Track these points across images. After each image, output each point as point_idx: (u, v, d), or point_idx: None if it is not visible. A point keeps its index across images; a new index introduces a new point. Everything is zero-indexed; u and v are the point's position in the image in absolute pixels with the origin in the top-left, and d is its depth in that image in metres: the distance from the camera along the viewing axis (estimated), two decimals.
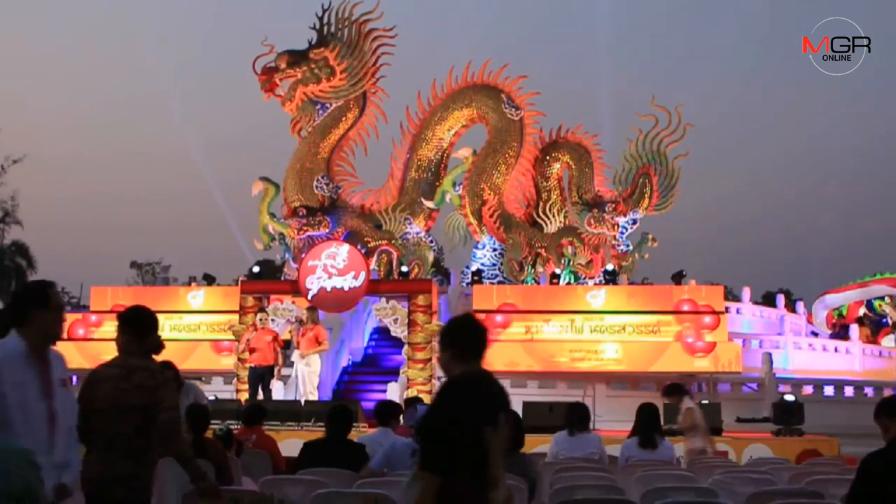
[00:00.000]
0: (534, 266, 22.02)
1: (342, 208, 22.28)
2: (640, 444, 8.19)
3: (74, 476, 4.37)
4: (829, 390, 19.89)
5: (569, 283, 21.19)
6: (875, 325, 27.10)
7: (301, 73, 21.81)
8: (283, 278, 21.98)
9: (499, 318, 18.90)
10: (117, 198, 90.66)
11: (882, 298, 27.31)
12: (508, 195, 22.57)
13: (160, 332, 5.15)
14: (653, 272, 35.65)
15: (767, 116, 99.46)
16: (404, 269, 20.93)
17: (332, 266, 17.42)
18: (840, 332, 25.73)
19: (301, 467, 6.76)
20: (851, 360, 22.37)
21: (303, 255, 19.15)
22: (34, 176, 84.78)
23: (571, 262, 21.75)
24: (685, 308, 18.97)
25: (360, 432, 9.91)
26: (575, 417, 8.48)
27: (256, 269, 23.79)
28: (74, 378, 20.76)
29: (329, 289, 17.29)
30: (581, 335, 18.92)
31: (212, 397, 15.05)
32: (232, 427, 8.60)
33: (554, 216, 22.38)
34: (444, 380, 4.19)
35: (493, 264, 22.48)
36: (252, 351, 15.95)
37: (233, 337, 17.97)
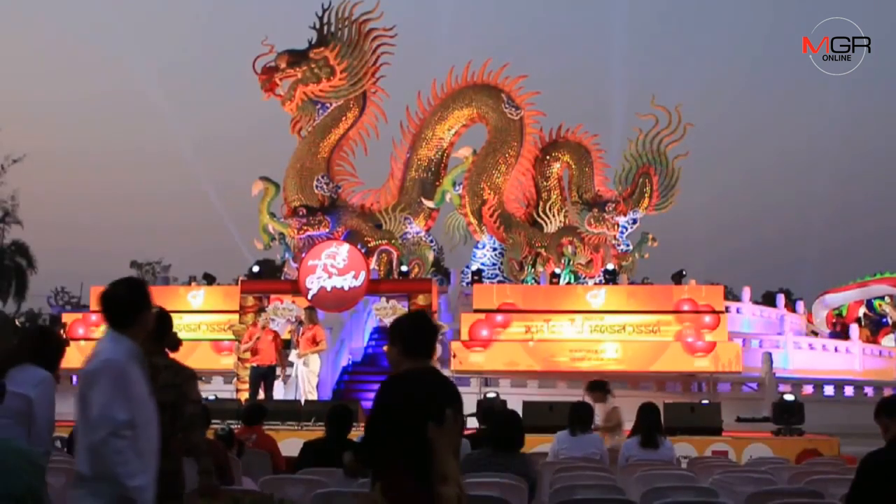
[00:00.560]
0: (534, 266, 22.02)
1: (342, 208, 22.29)
2: (641, 443, 8.19)
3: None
4: (829, 390, 19.90)
5: (569, 283, 21.19)
6: (875, 325, 27.10)
7: (301, 72, 21.82)
8: (283, 278, 21.99)
9: (499, 318, 18.91)
10: (117, 197, 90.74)
11: (882, 298, 27.30)
12: (508, 195, 22.57)
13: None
14: (653, 272, 35.64)
15: (768, 116, 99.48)
16: (404, 268, 20.94)
17: (332, 266, 17.42)
18: (840, 331, 25.72)
19: (301, 467, 6.76)
20: (851, 359, 22.38)
21: (303, 255, 19.15)
22: (34, 175, 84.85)
23: (571, 262, 21.76)
24: (685, 308, 18.97)
25: (361, 432, 9.90)
26: (577, 417, 8.48)
27: (256, 268, 23.80)
28: (74, 378, 20.77)
29: (329, 288, 17.28)
30: (581, 335, 18.93)
31: (212, 397, 15.05)
32: (232, 427, 8.62)
33: (554, 216, 22.39)
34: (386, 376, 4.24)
35: (493, 264, 22.48)
36: (255, 351, 15.93)
37: (233, 337, 17.96)
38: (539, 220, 22.46)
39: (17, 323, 42.36)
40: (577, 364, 18.58)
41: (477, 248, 22.92)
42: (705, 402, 15.38)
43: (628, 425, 9.08)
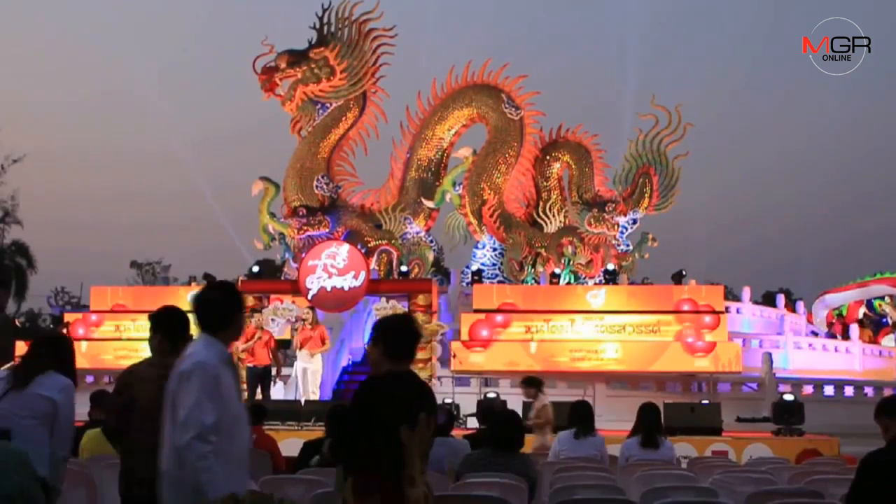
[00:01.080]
0: (534, 266, 22.02)
1: (342, 208, 22.28)
2: (641, 443, 8.19)
3: None
4: (829, 390, 19.89)
5: (569, 283, 21.19)
6: (875, 325, 27.10)
7: (301, 72, 21.81)
8: (283, 278, 21.99)
9: (499, 318, 18.91)
10: (117, 197, 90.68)
11: (882, 298, 27.30)
12: (508, 195, 22.57)
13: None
14: (653, 272, 35.65)
15: (767, 116, 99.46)
16: (404, 268, 20.93)
17: (332, 266, 17.43)
18: (838, 332, 25.72)
19: (301, 467, 6.76)
20: (851, 359, 22.39)
21: (303, 255, 19.16)
22: (34, 175, 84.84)
23: (571, 262, 21.75)
24: (685, 308, 18.97)
25: None
26: (580, 419, 8.46)
27: (256, 268, 23.79)
28: None
29: (329, 288, 17.29)
30: (581, 335, 18.93)
31: None
32: None
33: (554, 216, 22.38)
34: (365, 378, 4.29)
35: (493, 264, 22.48)
36: (251, 352, 15.93)
37: None
38: (539, 220, 22.46)
39: (17, 323, 42.39)
40: (577, 364, 18.58)
41: (477, 248, 22.92)
42: (705, 402, 15.41)
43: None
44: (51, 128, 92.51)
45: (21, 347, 20.62)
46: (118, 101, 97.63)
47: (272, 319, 17.58)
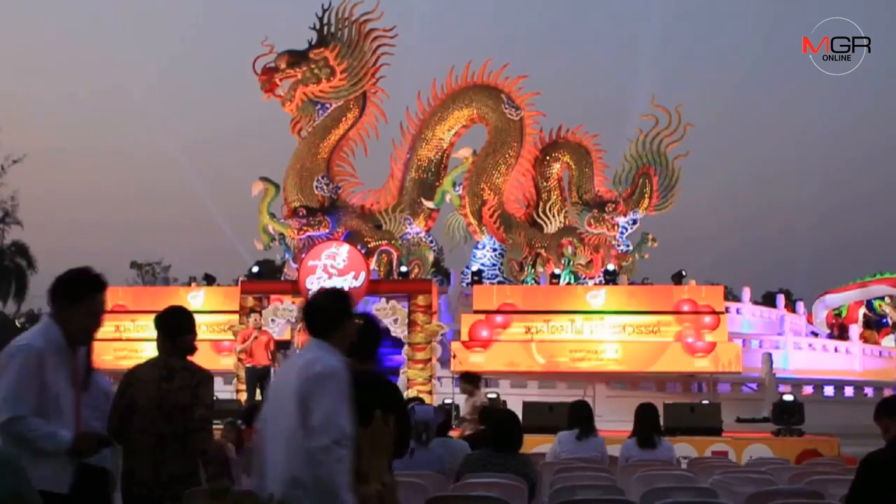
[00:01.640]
0: (534, 266, 22.02)
1: (342, 208, 22.28)
2: (638, 443, 8.19)
3: None
4: (829, 390, 19.89)
5: (569, 283, 21.19)
6: (875, 326, 27.11)
7: (301, 73, 21.80)
8: (283, 278, 21.99)
9: (499, 318, 18.91)
10: (117, 197, 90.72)
11: (882, 298, 27.31)
12: (508, 195, 22.56)
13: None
14: (653, 272, 35.55)
15: (767, 116, 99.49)
16: (404, 269, 20.93)
17: (332, 266, 17.43)
18: (838, 331, 25.73)
19: None
20: (851, 360, 22.39)
21: (303, 256, 19.16)
22: (34, 175, 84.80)
23: (571, 262, 21.75)
24: (685, 308, 18.97)
25: None
26: (582, 419, 8.45)
27: (256, 269, 23.79)
28: None
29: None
30: (581, 335, 18.93)
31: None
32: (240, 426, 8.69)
33: (554, 216, 22.38)
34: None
35: (493, 264, 22.47)
36: (250, 353, 15.93)
37: (233, 337, 17.97)
38: (539, 220, 22.46)
39: (17, 323, 42.39)
40: (577, 364, 18.58)
41: (477, 248, 22.91)
42: (705, 402, 15.39)
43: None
44: (51, 128, 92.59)
45: None
46: (118, 101, 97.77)
47: (272, 320, 17.58)
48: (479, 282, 20.93)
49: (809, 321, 26.40)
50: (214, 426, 7.80)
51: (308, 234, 21.65)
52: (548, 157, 22.65)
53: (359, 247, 19.24)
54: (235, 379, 17.35)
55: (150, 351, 5.08)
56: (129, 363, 5.31)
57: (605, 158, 22.65)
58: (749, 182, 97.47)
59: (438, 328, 18.22)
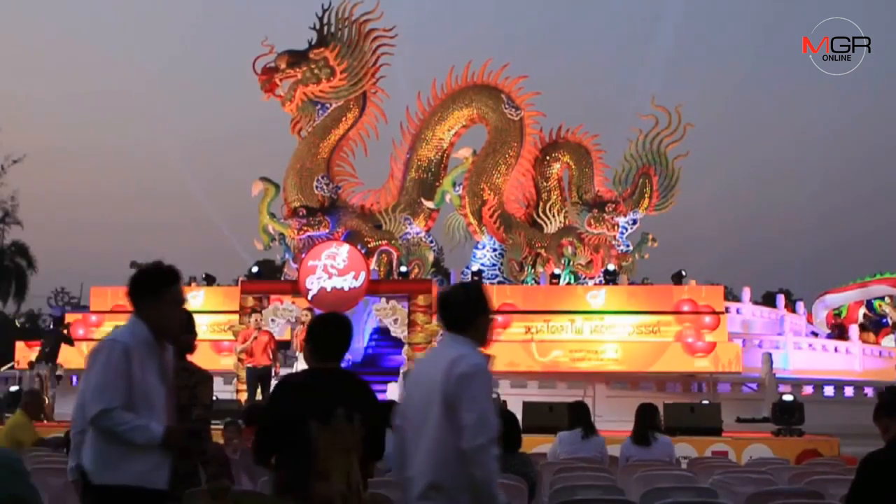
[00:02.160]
0: (534, 266, 22.01)
1: (342, 208, 22.28)
2: (634, 441, 8.21)
3: None
4: (829, 390, 19.89)
5: (569, 283, 21.19)
6: (875, 326, 27.09)
7: (301, 73, 21.80)
8: (283, 278, 21.99)
9: (499, 318, 18.90)
10: (117, 197, 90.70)
11: (882, 298, 27.28)
12: (508, 195, 22.56)
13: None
14: (653, 272, 35.54)
15: (767, 116, 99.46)
16: (404, 269, 20.93)
17: (332, 266, 17.42)
18: (837, 331, 25.72)
19: None
20: (851, 360, 22.39)
21: (303, 256, 19.15)
22: (34, 175, 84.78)
23: (571, 262, 21.75)
24: (685, 308, 18.98)
25: None
26: (583, 420, 8.46)
27: (256, 269, 23.78)
28: (74, 378, 20.68)
29: (329, 289, 17.28)
30: (581, 335, 18.92)
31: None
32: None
33: (554, 216, 22.38)
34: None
35: (493, 264, 22.47)
36: (250, 353, 15.93)
37: (233, 337, 17.96)
38: (539, 220, 22.46)
39: (17, 323, 42.40)
40: (577, 364, 18.58)
41: (477, 248, 22.91)
42: (705, 402, 15.39)
43: None
44: (51, 128, 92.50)
45: (21, 348, 20.66)
46: (118, 101, 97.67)
47: (272, 320, 17.57)
48: (480, 282, 20.93)
49: (809, 321, 26.39)
50: (214, 426, 7.83)
51: (308, 234, 21.64)
52: (548, 157, 22.65)
53: (359, 247, 19.23)
54: (235, 379, 17.33)
55: None
56: None
57: (605, 158, 22.67)
58: (749, 182, 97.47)
59: (438, 328, 18.20)
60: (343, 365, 4.37)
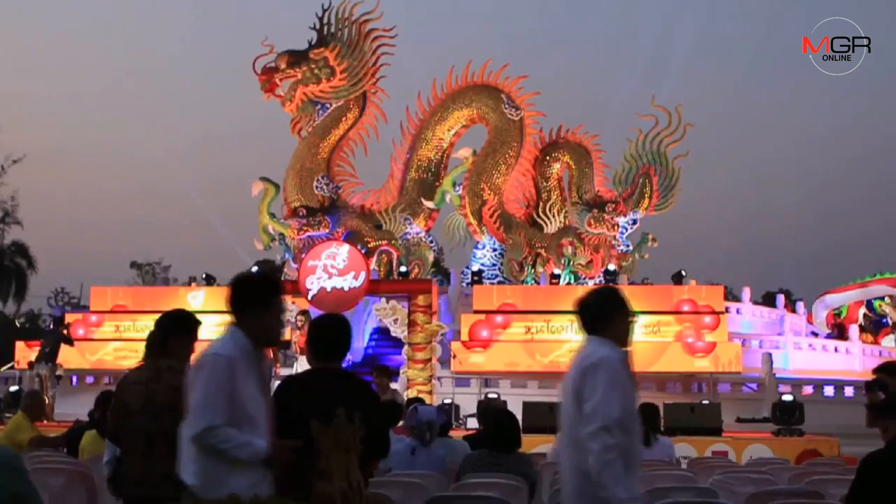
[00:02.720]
0: (534, 266, 22.02)
1: (342, 208, 22.29)
2: None
3: None
4: (829, 390, 19.88)
5: (569, 283, 21.19)
6: (875, 326, 27.08)
7: (301, 73, 21.82)
8: (282, 279, 21.98)
9: (499, 318, 18.90)
10: (117, 197, 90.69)
11: (882, 298, 27.28)
12: (508, 195, 22.57)
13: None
14: (653, 272, 35.61)
15: (767, 116, 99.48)
16: (404, 269, 20.93)
17: (332, 266, 17.42)
18: (837, 331, 25.72)
19: None
20: (851, 360, 22.38)
21: (303, 256, 19.16)
22: (34, 175, 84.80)
23: (571, 262, 21.76)
24: (685, 308, 18.97)
25: None
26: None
27: (256, 269, 23.76)
28: (74, 378, 20.69)
29: (329, 289, 17.28)
30: (581, 335, 18.89)
31: None
32: None
33: (554, 216, 22.39)
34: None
35: (493, 264, 22.48)
36: None
37: None
38: (539, 220, 22.47)
39: (17, 323, 42.39)
40: None
41: (477, 248, 22.92)
42: (705, 402, 15.38)
43: None
44: (51, 128, 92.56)
45: (21, 348, 20.64)
46: (118, 101, 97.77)
47: None
48: (479, 282, 20.93)
49: (809, 321, 26.39)
50: None
51: (308, 234, 21.65)
52: (548, 157, 22.66)
53: (359, 247, 19.23)
54: None
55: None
56: (129, 363, 5.34)
57: (605, 158, 22.70)
58: (749, 182, 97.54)
59: (438, 328, 18.22)
60: (343, 365, 4.40)
